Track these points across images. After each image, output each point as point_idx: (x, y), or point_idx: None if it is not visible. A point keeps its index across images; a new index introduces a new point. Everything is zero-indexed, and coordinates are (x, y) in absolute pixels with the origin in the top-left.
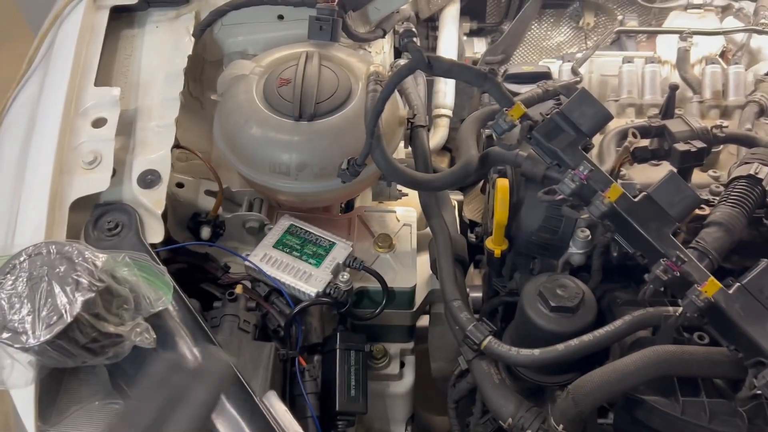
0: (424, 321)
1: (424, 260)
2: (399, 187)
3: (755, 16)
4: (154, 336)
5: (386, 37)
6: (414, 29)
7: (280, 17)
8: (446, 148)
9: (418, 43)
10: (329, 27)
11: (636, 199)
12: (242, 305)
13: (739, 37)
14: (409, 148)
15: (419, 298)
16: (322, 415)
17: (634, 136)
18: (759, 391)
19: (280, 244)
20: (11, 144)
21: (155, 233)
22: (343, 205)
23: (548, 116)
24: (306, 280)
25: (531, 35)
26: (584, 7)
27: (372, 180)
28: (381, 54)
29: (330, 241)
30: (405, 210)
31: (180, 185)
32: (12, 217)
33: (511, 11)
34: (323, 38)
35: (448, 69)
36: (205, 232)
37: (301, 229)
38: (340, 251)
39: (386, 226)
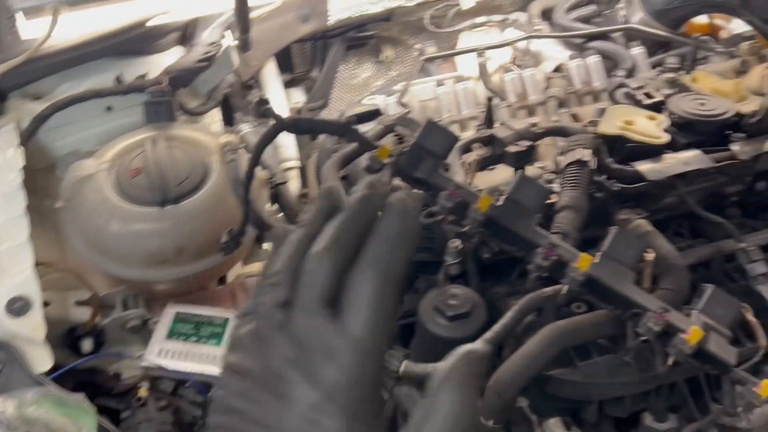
0: None
1: None
2: (265, 246)
3: (530, 24)
4: None
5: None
6: (265, 97)
7: (109, 109)
8: None
9: None
10: (165, 108)
11: (500, 203)
12: (153, 408)
13: (522, 45)
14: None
15: None
16: None
17: (479, 147)
18: (646, 337)
19: (173, 334)
20: None
21: (42, 361)
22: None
23: (407, 150)
24: (212, 361)
25: (339, 76)
26: (381, 43)
27: (249, 246)
28: (215, 123)
29: (223, 317)
30: None
31: (45, 304)
32: None
33: (316, 59)
34: (162, 120)
35: (311, 126)
36: (87, 344)
37: (190, 314)
38: None
39: None
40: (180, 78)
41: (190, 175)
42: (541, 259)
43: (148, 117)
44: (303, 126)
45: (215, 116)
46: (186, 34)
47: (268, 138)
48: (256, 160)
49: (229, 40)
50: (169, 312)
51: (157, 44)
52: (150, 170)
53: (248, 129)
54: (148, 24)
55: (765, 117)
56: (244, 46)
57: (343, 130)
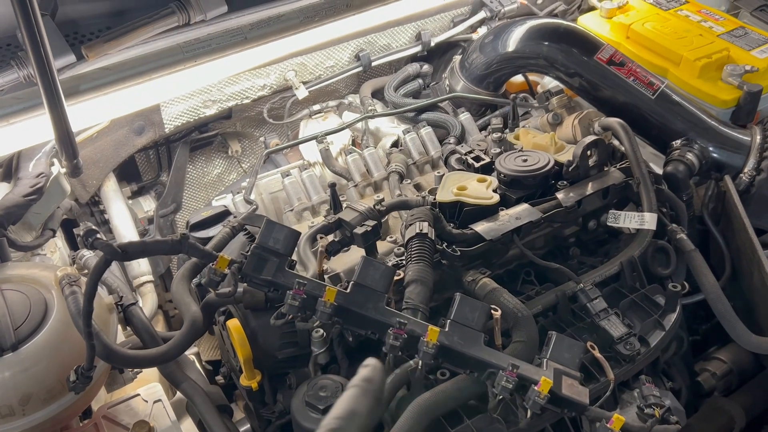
0: None
1: (187, 426)
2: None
3: (363, 105)
4: None
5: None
6: (92, 227)
7: None
8: None
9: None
10: None
11: (348, 290)
12: None
13: (360, 125)
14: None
15: None
16: None
17: (321, 237)
18: (501, 396)
19: None
20: None
21: None
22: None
23: (249, 253)
24: None
25: (190, 177)
26: (227, 138)
27: (105, 376)
28: (57, 252)
29: None
30: (148, 387)
31: None
32: None
33: (163, 163)
34: None
35: (142, 250)
36: None
37: None
38: None
39: (137, 413)
40: (7, 215)
41: (29, 317)
42: (393, 340)
43: None
44: (134, 251)
45: (57, 243)
46: (10, 169)
47: (100, 270)
48: (91, 295)
49: (58, 168)
50: None
51: None
52: None
53: (90, 254)
54: None
55: (580, 164)
56: (74, 171)
57: (178, 247)
